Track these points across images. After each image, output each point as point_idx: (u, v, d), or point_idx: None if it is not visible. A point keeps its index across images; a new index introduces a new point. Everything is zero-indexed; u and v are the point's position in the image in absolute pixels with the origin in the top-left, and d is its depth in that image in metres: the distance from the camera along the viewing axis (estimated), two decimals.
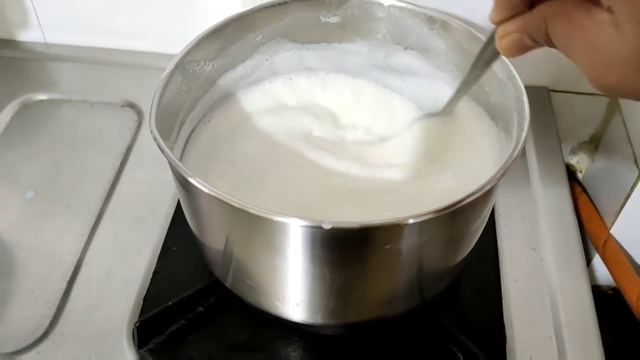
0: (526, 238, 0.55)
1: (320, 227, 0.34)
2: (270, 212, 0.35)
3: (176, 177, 0.40)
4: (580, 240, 0.56)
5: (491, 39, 0.38)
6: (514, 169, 0.60)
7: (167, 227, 0.54)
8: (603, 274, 0.71)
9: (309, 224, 0.34)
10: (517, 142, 0.40)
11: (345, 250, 0.37)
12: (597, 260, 0.71)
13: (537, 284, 0.52)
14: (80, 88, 0.67)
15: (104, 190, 0.58)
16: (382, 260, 0.38)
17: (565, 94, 0.70)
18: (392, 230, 0.36)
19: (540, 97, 0.68)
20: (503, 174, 0.38)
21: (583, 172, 0.76)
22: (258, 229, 0.37)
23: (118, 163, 0.60)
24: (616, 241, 0.66)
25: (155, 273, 0.51)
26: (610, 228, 0.66)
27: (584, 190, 0.72)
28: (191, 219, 0.44)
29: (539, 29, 0.30)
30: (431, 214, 0.35)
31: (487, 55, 0.40)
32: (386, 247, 0.37)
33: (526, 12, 0.31)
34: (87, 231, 0.54)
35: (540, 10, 0.30)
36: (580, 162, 0.75)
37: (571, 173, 0.75)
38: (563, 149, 0.73)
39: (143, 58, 0.70)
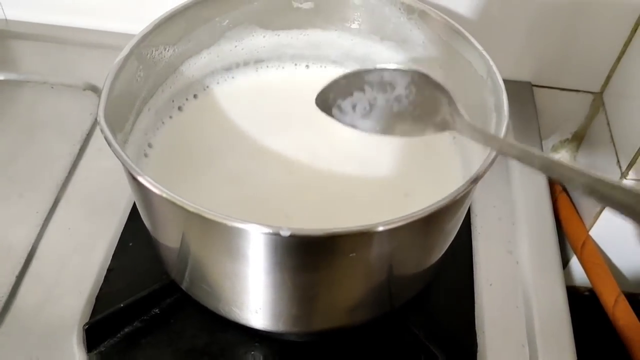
0: (502, 240, 0.53)
1: (278, 234, 0.32)
2: (226, 217, 0.32)
3: (126, 174, 0.37)
4: (558, 245, 0.54)
5: None
6: (492, 166, 0.58)
7: (125, 220, 0.51)
8: (580, 274, 0.70)
9: (267, 231, 0.32)
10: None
11: (305, 258, 0.34)
12: (575, 261, 0.70)
13: (511, 289, 0.50)
14: (40, 68, 0.64)
15: (60, 178, 0.54)
16: (346, 269, 0.36)
17: (548, 90, 0.68)
18: (356, 238, 0.33)
19: (523, 92, 0.66)
20: (477, 180, 0.35)
21: None
22: (214, 234, 0.34)
23: (76, 150, 0.57)
24: (595, 243, 0.65)
25: (109, 270, 0.48)
26: (590, 229, 0.64)
27: (564, 189, 0.70)
28: (145, 218, 0.41)
29: None
30: (399, 221, 0.33)
31: None
32: (350, 255, 0.34)
33: None
34: (40, 222, 0.51)
35: None
36: (562, 159, 0.73)
37: None
38: (544, 146, 0.71)
39: (108, 38, 0.66)
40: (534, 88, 0.67)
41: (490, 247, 0.52)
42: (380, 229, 0.32)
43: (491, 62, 0.42)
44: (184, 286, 0.42)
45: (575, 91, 0.67)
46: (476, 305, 0.48)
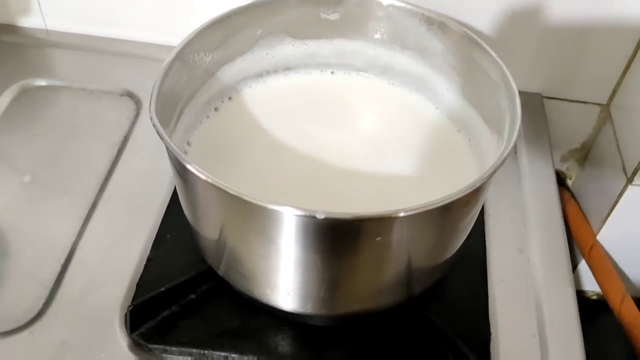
0: (514, 239, 0.56)
1: (314, 217, 0.35)
2: (264, 200, 0.36)
3: (173, 164, 0.41)
4: (567, 244, 0.57)
5: None
6: (505, 172, 0.62)
7: (162, 215, 0.54)
8: (588, 279, 0.73)
9: (303, 213, 0.35)
10: (508, 142, 0.41)
11: (336, 241, 0.38)
12: (583, 266, 0.73)
13: (522, 285, 0.53)
14: (80, 75, 0.68)
15: (101, 177, 0.58)
16: (372, 252, 0.39)
17: (558, 101, 0.71)
18: (383, 222, 0.37)
19: (534, 103, 0.70)
20: (492, 173, 0.39)
21: (573, 179, 0.77)
22: (252, 216, 0.38)
23: (115, 151, 0.60)
24: (602, 247, 0.68)
25: (149, 259, 0.51)
26: (597, 234, 0.67)
27: (573, 196, 0.73)
28: (187, 207, 0.44)
29: None
30: (421, 208, 0.36)
31: None
32: (377, 239, 0.38)
33: None
34: (83, 216, 0.55)
35: None
36: (571, 169, 0.76)
37: (561, 180, 0.77)
38: (554, 155, 0.74)
39: (143, 49, 0.71)
40: (545, 99, 0.70)
41: (503, 246, 0.56)
42: (402, 214, 0.36)
43: (505, 69, 0.46)
44: (220, 271, 0.46)
45: (584, 103, 0.70)
46: (490, 298, 0.52)
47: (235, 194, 0.36)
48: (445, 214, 0.39)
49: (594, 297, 0.75)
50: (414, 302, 0.47)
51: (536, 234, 0.57)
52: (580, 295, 0.76)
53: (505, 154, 0.40)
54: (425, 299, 0.48)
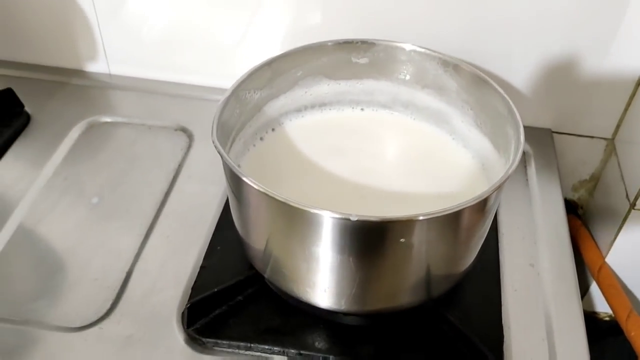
0: (525, 255, 0.62)
1: (348, 219, 0.43)
2: (307, 205, 0.43)
3: (228, 179, 0.49)
4: (573, 260, 0.63)
5: None
6: (517, 197, 0.68)
7: (213, 230, 0.62)
8: (600, 301, 0.78)
9: (339, 216, 0.43)
10: (512, 162, 0.48)
11: (367, 242, 0.45)
12: (594, 288, 0.78)
13: (533, 295, 0.59)
14: (139, 113, 0.77)
15: (158, 199, 0.66)
16: (396, 253, 0.46)
17: (567, 136, 0.77)
18: (405, 224, 0.44)
19: (544, 138, 0.76)
20: (497, 188, 0.46)
21: (584, 207, 0.83)
22: (296, 221, 0.46)
23: (171, 177, 0.69)
24: (610, 268, 0.73)
25: (202, 267, 0.59)
26: (605, 256, 0.73)
27: (584, 223, 0.79)
28: (238, 219, 0.52)
29: None
30: (437, 213, 0.44)
31: None
32: (401, 240, 0.45)
33: None
34: (144, 232, 0.63)
35: None
36: (581, 197, 0.83)
37: (573, 208, 0.83)
38: (565, 186, 0.81)
39: (194, 90, 0.80)
40: (555, 134, 0.77)
41: (514, 260, 0.62)
42: (421, 218, 0.43)
43: (511, 103, 0.53)
44: (266, 274, 0.53)
45: (591, 137, 0.77)
46: (503, 306, 0.57)
47: (282, 200, 0.44)
48: (458, 220, 0.47)
49: (606, 319, 0.80)
50: (434, 305, 0.54)
51: (546, 251, 0.63)
52: (593, 317, 0.81)
53: (509, 172, 0.47)
54: (444, 303, 0.55)
